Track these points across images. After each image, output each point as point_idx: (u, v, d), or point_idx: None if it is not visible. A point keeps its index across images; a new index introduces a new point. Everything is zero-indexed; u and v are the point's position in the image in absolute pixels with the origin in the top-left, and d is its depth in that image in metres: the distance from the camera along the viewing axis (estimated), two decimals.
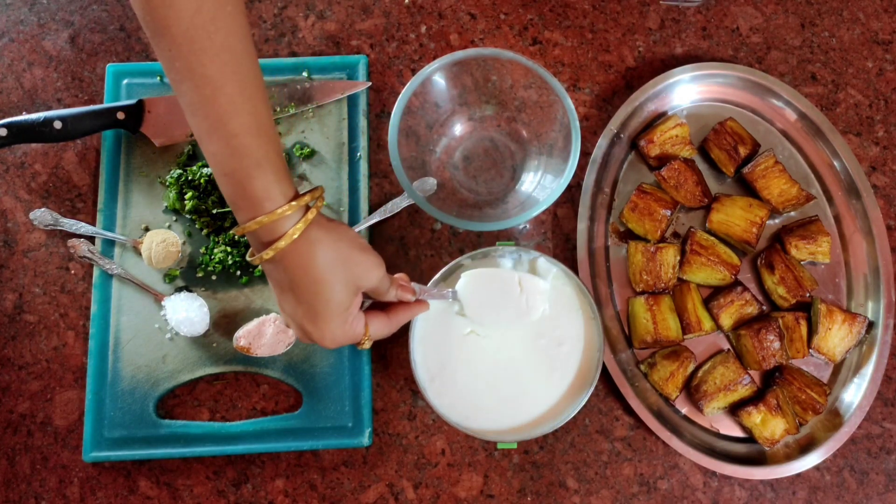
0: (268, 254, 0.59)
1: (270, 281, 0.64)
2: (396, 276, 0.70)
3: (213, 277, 0.85)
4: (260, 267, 0.60)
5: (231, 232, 0.58)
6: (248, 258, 0.62)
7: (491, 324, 0.76)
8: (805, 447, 0.81)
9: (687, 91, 0.91)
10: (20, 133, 0.84)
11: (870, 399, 0.81)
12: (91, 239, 0.86)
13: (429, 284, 0.76)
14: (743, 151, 0.87)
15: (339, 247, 0.62)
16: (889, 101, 0.94)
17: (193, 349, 0.83)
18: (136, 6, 0.55)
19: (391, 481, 0.82)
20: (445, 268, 0.77)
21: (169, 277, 0.85)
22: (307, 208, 0.60)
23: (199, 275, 0.85)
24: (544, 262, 0.78)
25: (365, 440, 0.81)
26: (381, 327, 0.68)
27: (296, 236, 0.58)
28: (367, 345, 0.68)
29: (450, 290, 0.76)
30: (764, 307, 0.85)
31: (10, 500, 0.81)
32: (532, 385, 0.76)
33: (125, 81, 0.91)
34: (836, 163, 0.89)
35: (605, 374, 0.82)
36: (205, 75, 0.55)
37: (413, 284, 0.72)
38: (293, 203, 0.58)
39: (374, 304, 0.71)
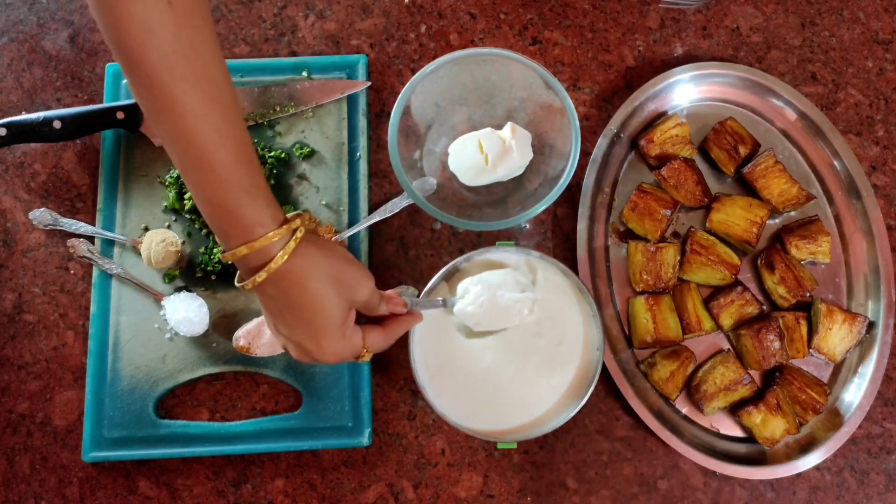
0: (261, 276, 0.59)
1: (263, 306, 0.64)
2: (385, 292, 0.70)
3: (213, 277, 0.85)
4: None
5: (220, 258, 0.59)
6: (237, 283, 0.62)
7: (489, 327, 0.76)
8: (805, 447, 0.81)
9: (687, 91, 0.91)
10: (20, 133, 0.84)
11: (870, 399, 0.81)
12: (91, 239, 0.86)
13: (429, 284, 0.76)
14: (743, 151, 0.87)
15: (331, 262, 0.62)
16: (889, 101, 0.94)
17: (193, 349, 0.83)
18: (107, 34, 0.53)
19: (391, 481, 0.81)
20: (445, 268, 0.77)
21: (168, 277, 0.85)
22: (294, 230, 0.60)
23: (199, 275, 0.85)
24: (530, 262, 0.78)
25: (365, 440, 0.81)
26: (378, 339, 0.68)
27: (285, 257, 0.59)
28: (367, 357, 0.68)
29: (440, 298, 0.76)
30: (764, 307, 0.84)
31: (10, 500, 0.81)
32: (532, 385, 0.76)
33: (125, 81, 0.91)
34: (836, 162, 0.89)
35: (605, 374, 0.82)
36: (187, 105, 0.54)
37: (404, 297, 0.72)
38: (283, 227, 0.59)
39: (370, 320, 0.71)
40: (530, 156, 0.85)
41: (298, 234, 0.60)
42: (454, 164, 0.85)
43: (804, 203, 0.87)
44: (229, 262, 0.62)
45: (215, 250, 0.84)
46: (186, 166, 0.57)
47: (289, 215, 0.61)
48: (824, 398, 0.81)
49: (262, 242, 0.58)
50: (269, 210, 0.59)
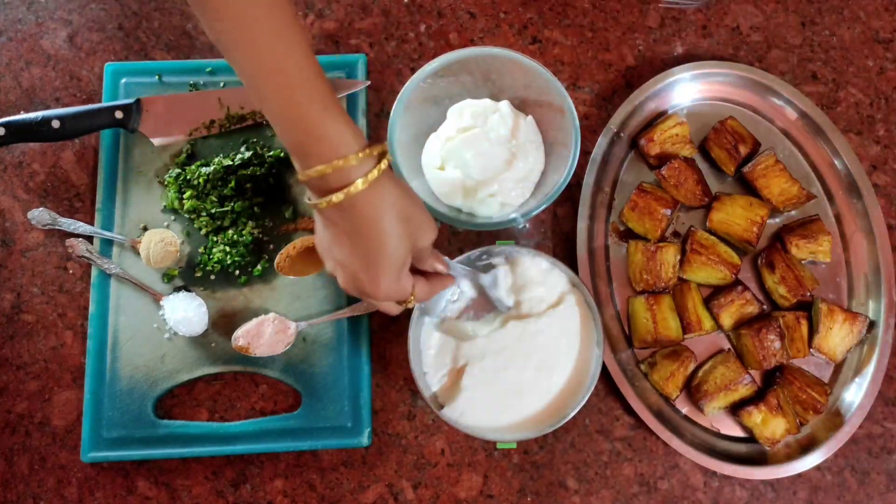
0: (338, 197, 0.57)
1: (327, 226, 0.62)
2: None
3: (212, 277, 0.85)
4: (314, 211, 0.61)
5: (298, 177, 0.58)
6: (308, 202, 0.60)
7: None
8: (806, 447, 0.81)
9: (687, 90, 0.91)
10: (18, 132, 0.84)
11: (871, 399, 0.81)
12: (89, 238, 0.86)
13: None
14: (743, 150, 0.87)
15: (406, 203, 0.61)
16: (890, 100, 0.94)
17: (192, 349, 0.83)
18: None
19: (390, 481, 0.81)
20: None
21: (167, 277, 0.85)
22: (379, 159, 0.59)
23: (198, 274, 0.85)
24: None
25: (364, 440, 0.81)
26: (425, 289, 0.68)
27: (366, 185, 0.57)
28: (412, 304, 0.68)
29: (472, 271, 0.76)
30: (764, 306, 0.84)
31: (8, 500, 0.80)
32: (531, 384, 0.76)
33: (123, 80, 0.91)
34: (836, 162, 0.89)
35: (605, 374, 0.81)
36: (257, 19, 0.54)
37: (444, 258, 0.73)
38: (367, 150, 0.58)
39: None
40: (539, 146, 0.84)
41: (383, 165, 0.58)
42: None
43: (804, 202, 0.87)
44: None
45: (214, 250, 0.84)
46: (260, 82, 0.56)
47: (372, 146, 0.59)
48: (825, 398, 0.81)
49: (347, 162, 0.56)
50: (350, 130, 0.58)
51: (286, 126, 0.58)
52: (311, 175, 0.58)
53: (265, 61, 0.56)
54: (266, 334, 0.81)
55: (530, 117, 0.84)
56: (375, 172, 0.58)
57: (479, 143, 0.80)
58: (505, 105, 0.83)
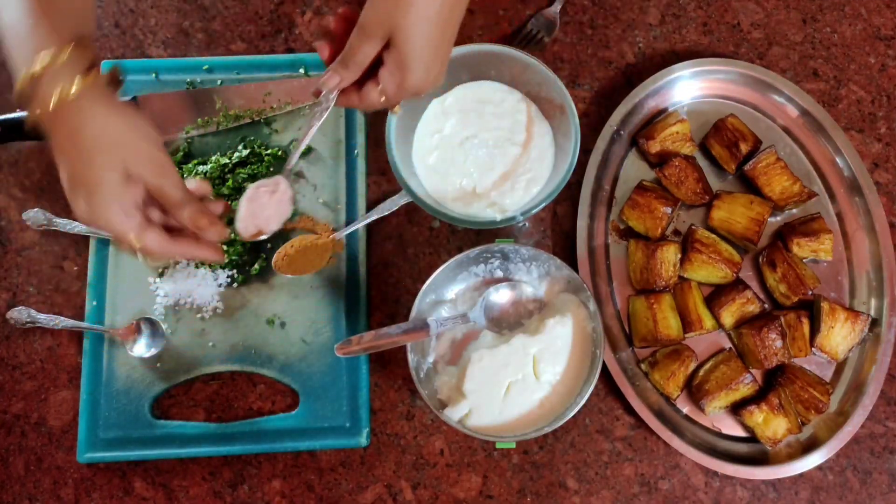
0: (36, 110, 0.57)
1: (49, 138, 0.60)
2: (203, 204, 0.65)
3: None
4: None
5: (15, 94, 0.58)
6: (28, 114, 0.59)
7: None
8: (807, 447, 0.80)
9: (687, 87, 0.90)
10: (14, 130, 0.84)
11: (873, 398, 0.81)
12: (85, 238, 0.85)
13: (427, 282, 0.75)
14: (744, 148, 0.86)
15: (120, 127, 0.59)
16: (892, 98, 0.93)
17: (189, 349, 0.82)
18: None
19: (389, 482, 0.81)
20: (444, 265, 0.76)
21: (163, 275, 0.84)
22: (87, 73, 0.58)
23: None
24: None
25: (363, 440, 0.80)
26: (155, 240, 0.62)
27: (61, 98, 0.57)
28: (136, 253, 0.62)
29: (462, 314, 0.77)
30: (766, 305, 0.84)
31: (4, 501, 0.80)
32: (531, 384, 0.76)
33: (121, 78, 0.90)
34: (838, 159, 0.88)
35: (605, 374, 0.81)
36: None
37: (430, 320, 0.73)
38: (61, 55, 0.56)
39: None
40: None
41: (88, 80, 0.57)
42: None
43: (806, 200, 0.86)
44: (16, 96, 0.59)
45: None
46: None
47: (70, 60, 0.57)
48: (826, 397, 0.81)
49: (41, 69, 0.56)
50: (55, 35, 0.57)
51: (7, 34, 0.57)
52: (17, 89, 0.57)
53: None
54: (266, 206, 0.70)
55: (546, 124, 0.83)
56: (73, 88, 0.57)
57: (489, 153, 0.80)
58: (524, 112, 0.83)
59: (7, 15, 0.58)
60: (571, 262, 0.84)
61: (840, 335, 0.82)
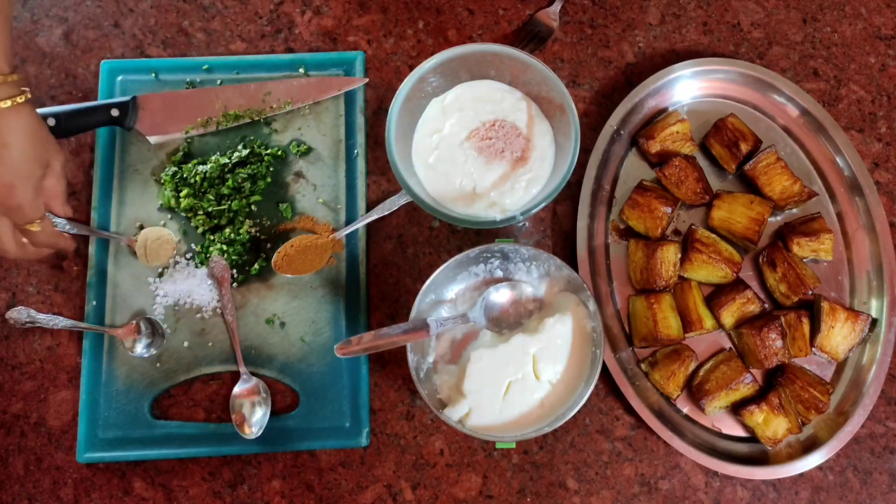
0: None
1: None
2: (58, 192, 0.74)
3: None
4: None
5: None
6: None
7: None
8: (808, 447, 0.80)
9: (687, 87, 0.90)
10: None
11: (873, 398, 0.81)
12: (85, 238, 0.85)
13: (426, 282, 0.75)
14: (744, 148, 0.86)
15: (39, 130, 0.70)
16: (892, 97, 0.93)
17: (189, 349, 0.82)
18: None
19: (389, 482, 0.81)
20: (444, 265, 0.76)
21: (163, 275, 0.84)
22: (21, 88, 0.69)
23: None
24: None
25: (362, 440, 0.80)
26: (49, 228, 0.73)
27: (7, 105, 0.67)
28: (40, 244, 0.73)
29: (461, 314, 0.77)
30: (766, 305, 0.84)
31: (4, 501, 0.80)
32: (530, 384, 0.75)
33: (119, 78, 0.90)
34: (838, 159, 0.88)
35: (605, 373, 0.81)
36: None
37: (430, 320, 0.72)
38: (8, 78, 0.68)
39: None
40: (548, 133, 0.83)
41: (21, 99, 0.68)
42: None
43: (806, 200, 0.86)
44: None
45: (211, 248, 0.84)
46: None
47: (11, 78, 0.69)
48: (827, 397, 0.81)
49: None
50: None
51: None
52: None
53: None
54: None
55: (547, 124, 0.83)
56: (19, 99, 0.68)
57: (488, 159, 0.80)
58: (524, 111, 0.82)
59: None
60: (571, 261, 0.84)
61: (840, 335, 0.81)
